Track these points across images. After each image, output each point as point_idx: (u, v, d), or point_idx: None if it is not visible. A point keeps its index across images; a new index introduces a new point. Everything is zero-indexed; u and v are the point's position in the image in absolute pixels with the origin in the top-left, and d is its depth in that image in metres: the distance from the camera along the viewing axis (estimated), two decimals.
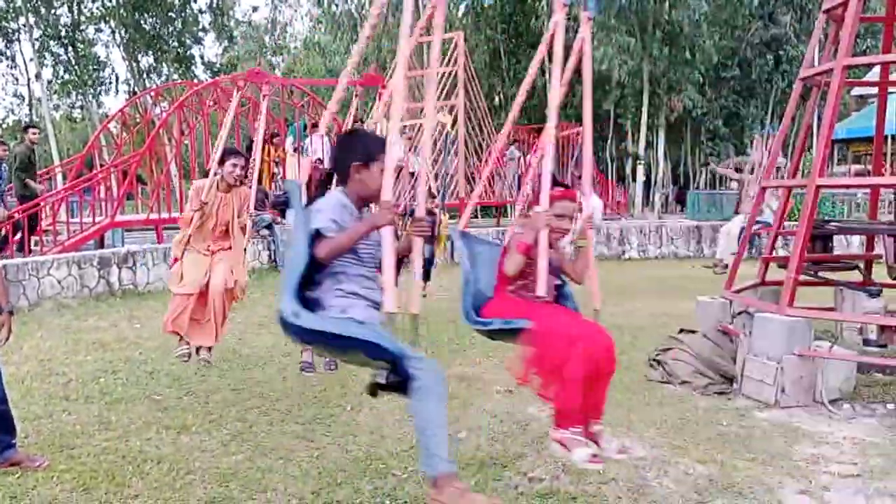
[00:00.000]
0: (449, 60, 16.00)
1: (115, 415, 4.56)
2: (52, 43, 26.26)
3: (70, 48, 26.23)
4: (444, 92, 15.64)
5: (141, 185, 12.56)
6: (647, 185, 24.37)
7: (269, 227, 12.06)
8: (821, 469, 3.74)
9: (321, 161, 13.85)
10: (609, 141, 25.00)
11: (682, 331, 6.12)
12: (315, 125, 14.66)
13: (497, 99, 24.94)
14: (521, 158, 18.01)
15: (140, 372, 5.63)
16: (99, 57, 28.08)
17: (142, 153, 11.96)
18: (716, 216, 18.69)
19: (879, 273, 7.21)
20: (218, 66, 30.64)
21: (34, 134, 11.31)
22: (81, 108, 30.97)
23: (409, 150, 15.01)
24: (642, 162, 23.63)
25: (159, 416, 4.57)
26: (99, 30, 28.22)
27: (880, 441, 4.16)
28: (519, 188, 17.18)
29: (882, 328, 6.15)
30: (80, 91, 27.70)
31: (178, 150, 13.73)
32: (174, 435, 4.20)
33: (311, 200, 2.85)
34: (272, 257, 11.85)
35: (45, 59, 26.48)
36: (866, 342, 6.23)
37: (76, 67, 26.45)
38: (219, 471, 3.69)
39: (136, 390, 5.13)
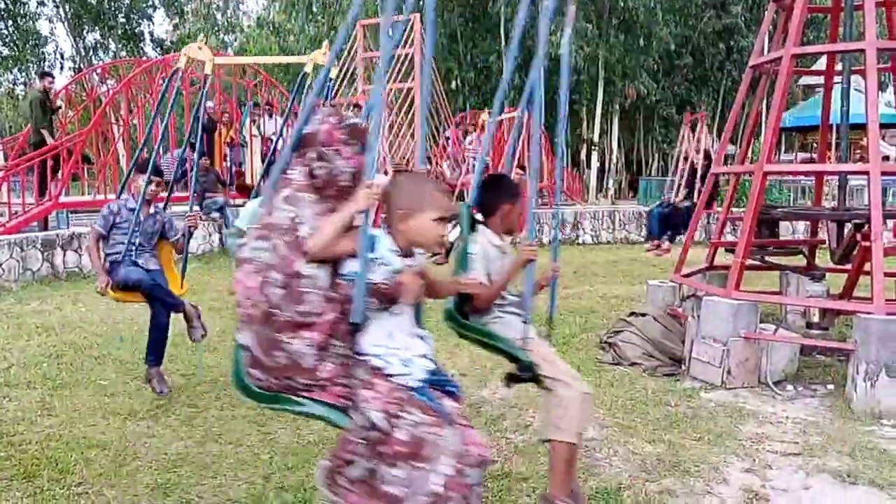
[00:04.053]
0: (405, 42, 15.80)
1: (59, 400, 4.44)
2: None
3: (10, 22, 25.21)
4: (401, 74, 15.47)
5: (87, 166, 12.14)
6: (602, 171, 24.63)
7: (220, 209, 11.84)
8: (764, 448, 3.85)
9: (270, 140, 13.68)
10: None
11: (632, 314, 6.22)
12: (269, 105, 14.40)
13: (454, 83, 24.82)
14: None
15: (85, 357, 5.48)
16: (41, 32, 27.07)
17: (87, 132, 11.57)
18: None
19: (823, 258, 7.44)
20: (168, 43, 29.85)
21: (50, 83, 11.50)
22: (24, 84, 29.83)
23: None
24: (597, 148, 23.85)
25: (105, 401, 4.46)
26: (42, 3, 27.18)
27: (820, 420, 4.30)
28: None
29: (824, 311, 6.35)
30: (22, 67, 26.69)
31: (125, 130, 13.35)
32: (120, 421, 4.11)
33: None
34: (223, 241, 11.64)
35: None
36: (809, 325, 6.43)
37: (17, 43, 25.45)
38: (167, 457, 3.62)
39: (81, 375, 4.99)
